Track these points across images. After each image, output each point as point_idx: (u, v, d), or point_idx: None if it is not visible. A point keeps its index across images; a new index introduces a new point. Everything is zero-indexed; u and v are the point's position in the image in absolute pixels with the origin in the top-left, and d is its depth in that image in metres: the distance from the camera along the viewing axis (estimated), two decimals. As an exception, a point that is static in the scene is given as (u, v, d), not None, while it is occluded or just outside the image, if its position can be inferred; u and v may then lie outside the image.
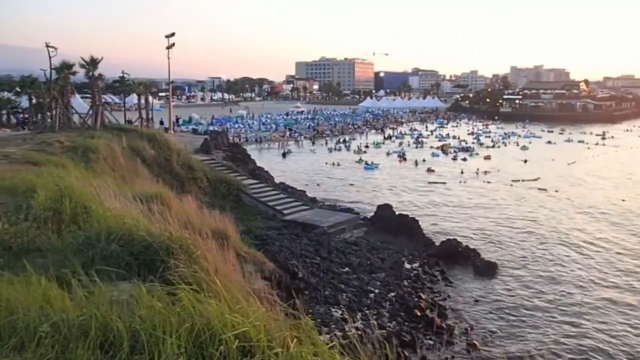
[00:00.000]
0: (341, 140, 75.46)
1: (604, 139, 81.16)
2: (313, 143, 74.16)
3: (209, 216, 13.56)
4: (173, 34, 48.29)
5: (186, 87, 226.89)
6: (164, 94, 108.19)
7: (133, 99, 57.96)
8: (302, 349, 3.84)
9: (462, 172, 49.32)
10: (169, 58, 49.22)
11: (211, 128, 71.36)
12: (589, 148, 70.46)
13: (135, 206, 10.23)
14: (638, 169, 53.00)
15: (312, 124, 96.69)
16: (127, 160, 24.01)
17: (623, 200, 37.91)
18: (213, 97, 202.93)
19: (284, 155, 62.04)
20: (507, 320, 18.07)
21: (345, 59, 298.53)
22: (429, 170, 50.52)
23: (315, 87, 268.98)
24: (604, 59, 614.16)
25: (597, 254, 25.69)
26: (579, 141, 77.76)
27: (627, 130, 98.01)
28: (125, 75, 52.65)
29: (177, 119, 75.01)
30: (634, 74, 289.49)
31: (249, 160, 38.98)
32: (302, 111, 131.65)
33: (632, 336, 17.03)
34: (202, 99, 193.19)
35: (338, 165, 54.25)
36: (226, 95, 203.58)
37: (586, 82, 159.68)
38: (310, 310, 15.95)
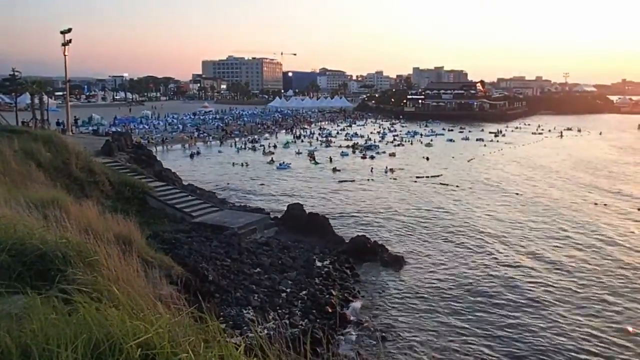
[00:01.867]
0: (251, 140, 75.12)
1: (496, 136, 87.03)
2: (222, 143, 73.20)
3: (112, 221, 13.00)
4: (69, 30, 45.71)
5: (85, 86, 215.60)
6: (60, 93, 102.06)
7: (26, 98, 54.16)
8: (207, 353, 3.80)
9: (371, 170, 50.78)
10: (65, 55, 46.56)
11: (113, 129, 68.32)
12: (485, 145, 75.06)
13: (29, 213, 9.59)
14: (528, 164, 57.27)
15: (221, 124, 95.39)
16: (20, 164, 22.33)
17: (517, 193, 40.78)
18: (115, 97, 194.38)
19: (191, 156, 60.68)
20: (415, 311, 18.86)
21: (254, 58, 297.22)
22: (335, 170, 51.34)
23: (224, 86, 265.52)
24: (497, 60, 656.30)
25: (495, 241, 27.44)
26: (477, 139, 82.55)
27: (518, 128, 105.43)
28: (16, 73, 49.08)
29: (76, 120, 71.07)
30: (525, 75, 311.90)
31: (155, 162, 37.65)
32: (210, 111, 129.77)
33: (531, 317, 18.37)
34: (103, 99, 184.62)
35: (247, 165, 53.94)
36: (129, 95, 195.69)
37: (482, 82, 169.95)
38: (222, 313, 15.75)
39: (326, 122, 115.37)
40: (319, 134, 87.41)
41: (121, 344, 3.68)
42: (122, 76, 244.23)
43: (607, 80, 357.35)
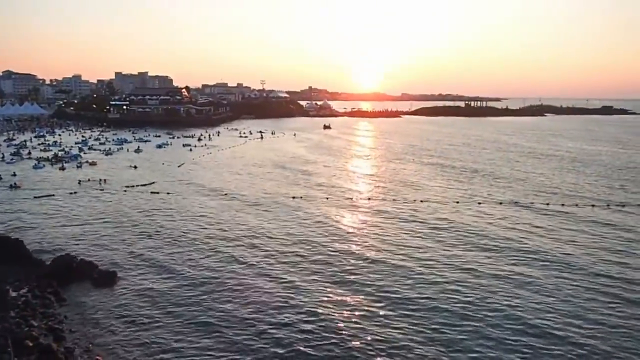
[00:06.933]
0: None
1: (200, 140, 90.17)
2: None
3: None
4: None
5: None
6: None
7: None
8: None
9: (79, 182, 46.97)
10: None
11: None
12: (191, 150, 76.35)
13: None
14: (235, 166, 60.50)
15: None
16: None
17: (225, 193, 42.70)
18: None
19: None
20: (130, 326, 18.17)
21: None
22: (12, 186, 45.72)
23: None
24: (201, 67, 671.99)
25: (213, 242, 28.25)
26: (184, 144, 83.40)
27: (219, 133, 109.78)
28: None
29: None
30: (227, 82, 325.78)
31: None
32: None
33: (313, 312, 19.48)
34: None
35: None
36: None
37: (188, 88, 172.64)
38: None
39: (15, 132, 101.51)
40: (8, 145, 76.58)
41: None
42: None
43: (297, 87, 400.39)
